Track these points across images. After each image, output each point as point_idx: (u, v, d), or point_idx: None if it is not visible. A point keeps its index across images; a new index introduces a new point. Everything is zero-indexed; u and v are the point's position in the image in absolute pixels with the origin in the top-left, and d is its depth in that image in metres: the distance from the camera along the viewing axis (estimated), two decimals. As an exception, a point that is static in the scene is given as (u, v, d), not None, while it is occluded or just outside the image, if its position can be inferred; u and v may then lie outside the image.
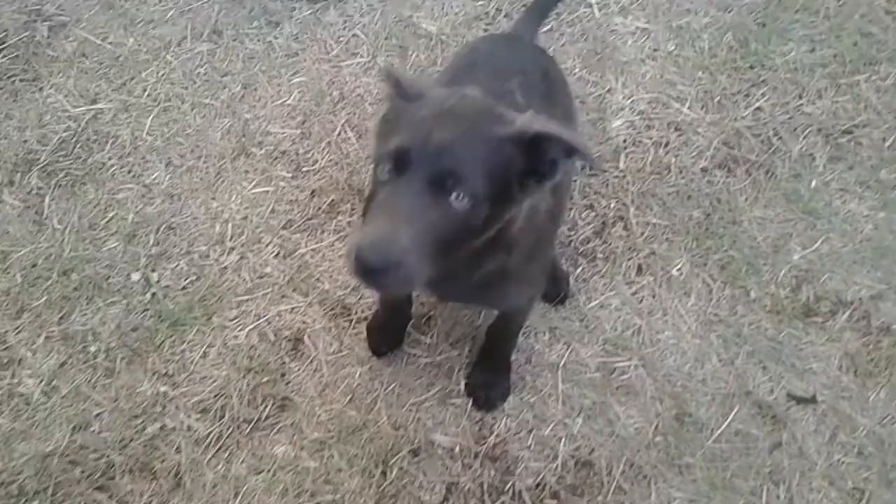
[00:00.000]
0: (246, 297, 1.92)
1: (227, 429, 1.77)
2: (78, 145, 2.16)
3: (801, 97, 2.14)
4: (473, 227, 1.16)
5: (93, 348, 1.88)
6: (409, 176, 1.11)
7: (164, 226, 2.03)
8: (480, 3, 2.32)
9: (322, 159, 2.11)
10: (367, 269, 1.08)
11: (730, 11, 2.29)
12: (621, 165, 2.06)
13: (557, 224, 1.56)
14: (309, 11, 2.37)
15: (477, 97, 1.21)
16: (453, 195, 1.11)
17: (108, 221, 2.04)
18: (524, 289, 1.50)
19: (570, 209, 1.99)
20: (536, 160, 1.16)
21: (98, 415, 1.81)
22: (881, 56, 2.18)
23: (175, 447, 1.76)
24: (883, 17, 2.24)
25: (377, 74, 1.92)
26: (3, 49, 2.33)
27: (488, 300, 1.52)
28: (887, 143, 2.04)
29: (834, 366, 1.78)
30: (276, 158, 2.13)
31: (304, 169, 2.10)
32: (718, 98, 2.15)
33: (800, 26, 2.25)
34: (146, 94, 2.24)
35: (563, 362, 1.81)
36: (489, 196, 1.13)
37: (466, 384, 1.79)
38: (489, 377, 1.78)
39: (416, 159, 1.11)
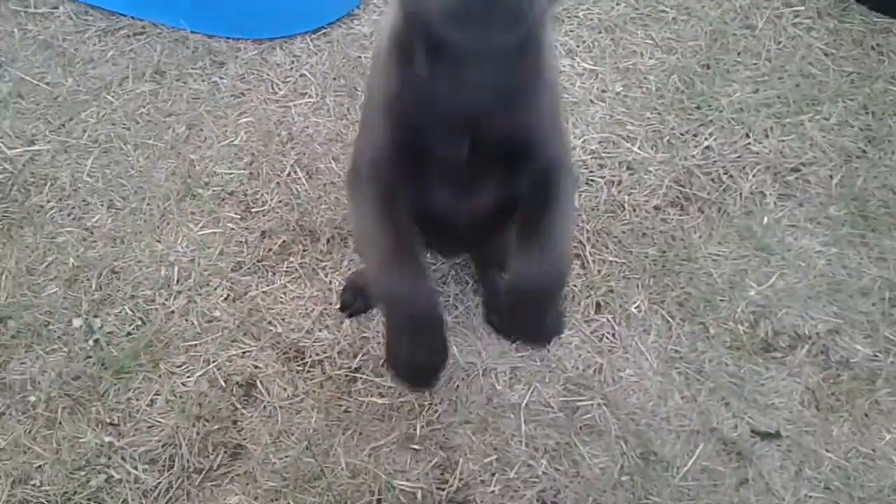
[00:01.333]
0: (194, 343, 1.84)
1: (177, 479, 1.67)
2: (14, 188, 2.07)
3: (748, 136, 2.17)
4: None
5: (32, 398, 1.77)
6: None
7: (106, 270, 1.94)
8: (430, 44, 2.32)
9: (271, 200, 2.06)
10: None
11: (674, 54, 2.33)
12: (576, 204, 2.05)
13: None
14: (255, 52, 2.34)
15: None
16: None
17: (47, 266, 1.94)
18: (557, 131, 1.29)
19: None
20: None
21: (39, 467, 1.69)
22: (823, 96, 2.24)
23: (122, 500, 1.65)
24: (822, 58, 2.31)
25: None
26: (-69, 90, 2.23)
27: (525, 136, 1.23)
28: (834, 181, 2.09)
29: (796, 401, 1.77)
30: (223, 199, 2.06)
31: (253, 210, 2.05)
32: (667, 138, 2.17)
33: (742, 68, 2.31)
34: (86, 135, 2.17)
35: (525, 402, 1.77)
36: None
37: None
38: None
39: None
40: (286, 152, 2.14)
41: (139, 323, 1.86)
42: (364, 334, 1.85)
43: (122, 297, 1.90)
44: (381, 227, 1.25)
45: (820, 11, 2.41)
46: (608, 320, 1.89)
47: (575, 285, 1.93)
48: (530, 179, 1.26)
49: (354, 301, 1.87)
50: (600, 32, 2.37)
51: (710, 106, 2.23)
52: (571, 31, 2.37)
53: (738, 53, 2.34)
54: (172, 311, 1.88)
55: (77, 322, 1.86)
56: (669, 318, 1.88)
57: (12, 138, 2.16)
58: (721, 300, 1.91)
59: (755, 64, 2.31)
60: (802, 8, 2.42)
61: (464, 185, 1.27)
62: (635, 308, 1.90)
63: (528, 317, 1.32)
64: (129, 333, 1.84)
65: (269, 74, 2.29)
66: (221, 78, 2.28)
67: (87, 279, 1.92)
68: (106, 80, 2.27)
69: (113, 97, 2.24)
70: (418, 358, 1.30)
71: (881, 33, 2.37)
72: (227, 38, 2.36)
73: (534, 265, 1.23)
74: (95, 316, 1.87)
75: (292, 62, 2.32)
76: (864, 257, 1.97)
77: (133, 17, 2.39)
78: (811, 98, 2.24)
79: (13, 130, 2.17)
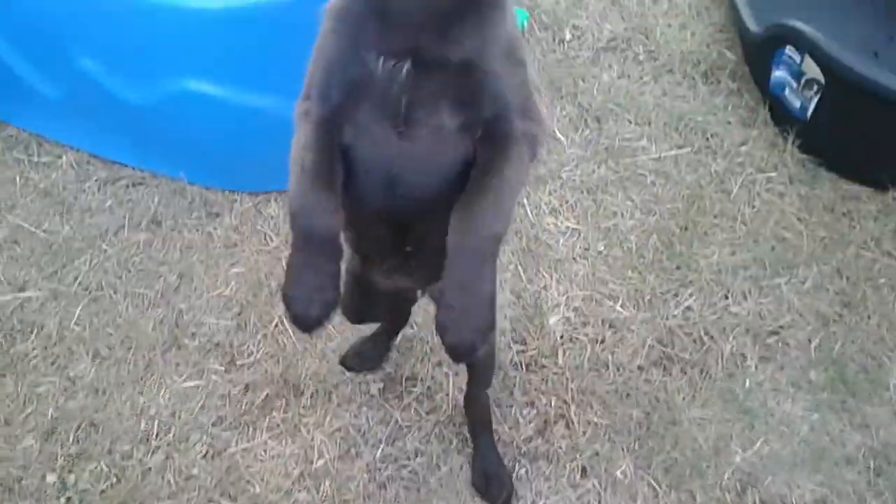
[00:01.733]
0: (169, 502, 1.80)
1: None
2: (0, 335, 2.07)
3: (727, 297, 2.22)
4: None
5: (-7, 564, 1.71)
6: None
7: (85, 422, 1.91)
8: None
9: (258, 352, 2.07)
10: None
11: (653, 215, 2.41)
12: (560, 362, 2.07)
13: None
14: (250, 203, 2.40)
15: None
16: None
17: (25, 417, 1.92)
18: (515, 78, 1.19)
19: (511, 406, 1.97)
20: None
21: None
22: (797, 260, 2.30)
23: None
24: (795, 223, 2.40)
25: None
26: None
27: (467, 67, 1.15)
28: (813, 345, 2.12)
29: (784, 576, 1.74)
30: (209, 351, 2.07)
31: (238, 362, 2.05)
32: (649, 297, 2.22)
33: (719, 230, 2.38)
34: (77, 282, 2.19)
35: (507, 576, 1.72)
36: None
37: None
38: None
39: None
40: (275, 303, 2.16)
41: (114, 480, 1.82)
42: (345, 497, 1.81)
43: (100, 451, 1.87)
44: (310, 147, 1.24)
45: (791, 178, 2.52)
46: (594, 485, 1.86)
47: (560, 447, 1.92)
48: (481, 136, 1.18)
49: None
50: (583, 193, 2.46)
51: (689, 267, 2.29)
52: (555, 191, 2.46)
53: (715, 216, 2.42)
54: (149, 468, 1.84)
55: (51, 478, 1.82)
56: (656, 486, 1.86)
57: (3, 284, 2.18)
58: (707, 466, 1.90)
59: (731, 227, 2.39)
60: (775, 174, 2.53)
61: (401, 116, 1.17)
62: (621, 473, 1.88)
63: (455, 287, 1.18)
64: (102, 491, 1.80)
65: (262, 226, 2.34)
66: (216, 228, 2.33)
67: (66, 432, 1.90)
68: (102, 229, 2.31)
69: (108, 246, 2.28)
70: (306, 284, 1.23)
71: (851, 200, 2.47)
72: (224, 189, 2.43)
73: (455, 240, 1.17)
74: (70, 471, 1.83)
75: (286, 214, 2.38)
76: (847, 424, 1.97)
77: (134, 168, 2.47)
78: (786, 262, 2.30)
79: (4, 276, 2.19)
